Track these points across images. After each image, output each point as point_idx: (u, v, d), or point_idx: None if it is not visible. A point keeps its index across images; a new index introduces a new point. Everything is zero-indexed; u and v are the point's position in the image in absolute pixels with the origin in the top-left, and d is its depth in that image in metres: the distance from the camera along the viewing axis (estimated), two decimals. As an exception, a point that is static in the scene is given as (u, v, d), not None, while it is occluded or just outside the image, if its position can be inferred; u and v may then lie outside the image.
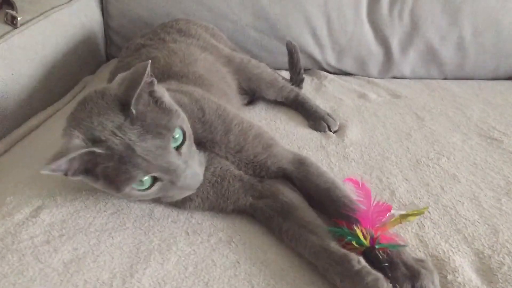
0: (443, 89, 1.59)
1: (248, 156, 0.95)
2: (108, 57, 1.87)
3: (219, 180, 0.91)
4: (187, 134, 0.81)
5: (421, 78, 1.72)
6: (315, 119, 1.33)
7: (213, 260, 0.79)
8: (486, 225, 0.89)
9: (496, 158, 1.13)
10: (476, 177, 1.05)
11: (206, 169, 0.90)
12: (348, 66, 1.74)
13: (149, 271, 0.76)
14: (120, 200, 0.91)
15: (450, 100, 1.50)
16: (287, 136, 1.25)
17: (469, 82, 1.67)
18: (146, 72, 0.76)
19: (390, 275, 0.73)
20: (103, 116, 0.75)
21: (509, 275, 0.76)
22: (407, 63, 1.70)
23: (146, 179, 0.77)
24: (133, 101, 0.74)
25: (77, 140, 0.74)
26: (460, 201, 0.97)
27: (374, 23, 1.68)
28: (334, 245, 0.78)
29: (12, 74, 1.28)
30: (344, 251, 0.76)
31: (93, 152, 0.73)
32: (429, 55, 1.68)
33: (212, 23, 1.60)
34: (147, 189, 0.78)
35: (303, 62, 1.55)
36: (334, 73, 1.74)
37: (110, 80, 1.25)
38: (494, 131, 1.26)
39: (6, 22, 1.34)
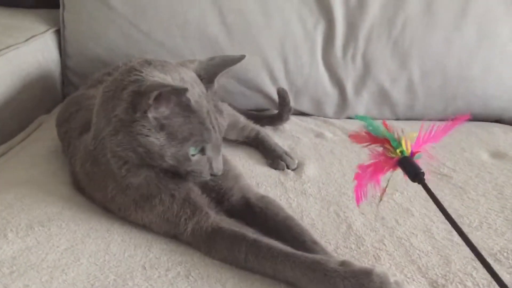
0: (395, 129, 1.64)
1: (217, 180, 0.99)
2: (65, 96, 1.82)
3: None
4: None
5: (374, 118, 1.75)
6: (273, 158, 1.35)
7: (171, 295, 0.78)
8: (439, 256, 0.92)
9: (446, 192, 1.17)
10: (428, 210, 1.08)
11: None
12: (304, 106, 1.78)
13: (104, 308, 0.74)
14: (75, 235, 0.89)
15: (402, 139, 1.55)
16: (245, 173, 1.24)
17: (419, 122, 1.72)
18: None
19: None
20: (188, 77, 0.88)
21: (462, 302, 0.78)
22: (361, 104, 1.76)
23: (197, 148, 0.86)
24: (217, 77, 0.93)
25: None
26: (414, 233, 0.99)
27: (329, 66, 1.74)
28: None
29: (-37, 110, 1.25)
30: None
31: (181, 100, 0.81)
32: (381, 96, 1.74)
33: (170, 64, 1.61)
34: (193, 155, 0.86)
35: (260, 102, 1.59)
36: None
37: (62, 113, 1.24)
38: (444, 167, 1.31)
39: (-41, 59, 1.32)
